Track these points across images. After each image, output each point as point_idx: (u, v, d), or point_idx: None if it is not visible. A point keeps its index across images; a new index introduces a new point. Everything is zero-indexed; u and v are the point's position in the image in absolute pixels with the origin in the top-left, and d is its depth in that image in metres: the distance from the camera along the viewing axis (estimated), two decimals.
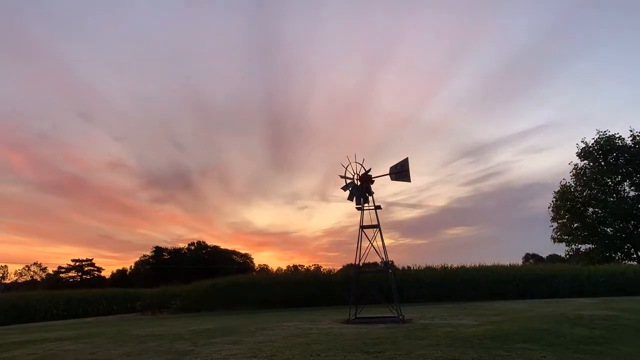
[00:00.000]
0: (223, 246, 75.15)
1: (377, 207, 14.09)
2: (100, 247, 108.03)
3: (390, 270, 14.28)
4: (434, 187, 72.94)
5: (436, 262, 27.68)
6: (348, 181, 14.36)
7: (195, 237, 69.83)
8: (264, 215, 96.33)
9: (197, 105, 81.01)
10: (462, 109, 76.46)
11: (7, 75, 72.01)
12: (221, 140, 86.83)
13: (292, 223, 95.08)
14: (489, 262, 28.41)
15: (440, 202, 71.34)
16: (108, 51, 76.74)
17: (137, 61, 79.77)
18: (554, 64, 73.01)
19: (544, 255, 64.98)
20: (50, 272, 76.64)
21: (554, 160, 68.54)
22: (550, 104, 69.87)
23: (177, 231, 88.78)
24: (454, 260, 26.02)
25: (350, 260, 38.07)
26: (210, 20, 76.42)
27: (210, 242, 74.03)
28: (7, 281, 79.17)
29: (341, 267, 31.36)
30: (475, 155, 70.02)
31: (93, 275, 70.97)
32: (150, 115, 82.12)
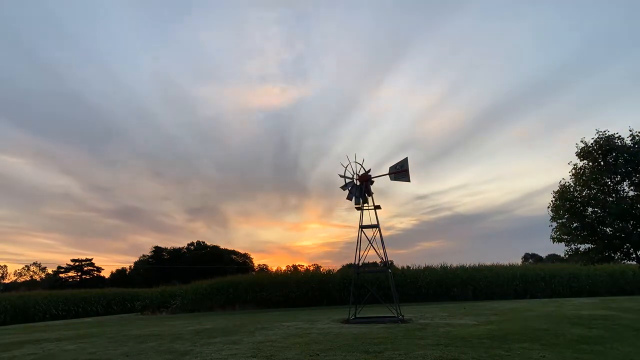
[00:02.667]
0: (223, 246, 75.25)
1: (377, 207, 14.09)
2: (101, 247, 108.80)
3: (389, 270, 14.29)
4: (400, 217, 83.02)
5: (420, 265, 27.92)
6: (347, 181, 14.37)
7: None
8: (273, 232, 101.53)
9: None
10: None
11: None
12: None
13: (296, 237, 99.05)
14: (487, 262, 28.43)
15: (408, 225, 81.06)
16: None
17: None
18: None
19: (543, 255, 65.20)
20: (50, 272, 76.74)
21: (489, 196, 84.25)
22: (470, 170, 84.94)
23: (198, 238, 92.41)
24: (432, 262, 26.52)
25: (350, 260, 38.12)
26: None
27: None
28: (6, 281, 79.23)
29: (341, 267, 31.34)
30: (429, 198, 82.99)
31: (92, 275, 70.90)
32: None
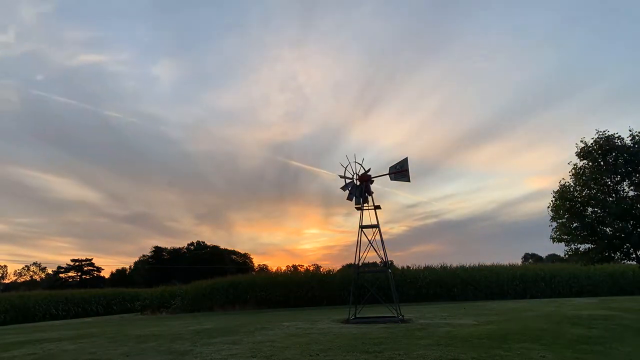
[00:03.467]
0: (223, 246, 75.24)
1: (377, 207, 14.08)
2: (100, 247, 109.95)
3: (389, 270, 14.29)
4: (393, 222, 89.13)
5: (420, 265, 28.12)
6: (347, 181, 14.37)
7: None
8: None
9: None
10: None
11: None
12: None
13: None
14: (487, 262, 28.41)
15: (401, 230, 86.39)
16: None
17: None
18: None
19: (543, 255, 65.27)
20: (50, 272, 76.74)
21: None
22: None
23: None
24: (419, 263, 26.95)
25: (350, 260, 38.07)
26: None
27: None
28: (6, 281, 79.23)
29: (341, 267, 31.30)
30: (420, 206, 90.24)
31: (92, 275, 70.92)
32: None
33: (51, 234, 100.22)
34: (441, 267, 27.36)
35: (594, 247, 14.43)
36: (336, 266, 37.48)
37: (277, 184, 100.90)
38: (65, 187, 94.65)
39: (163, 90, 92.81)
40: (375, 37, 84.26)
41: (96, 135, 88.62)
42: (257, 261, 79.45)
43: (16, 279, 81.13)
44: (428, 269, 27.03)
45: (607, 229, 14.15)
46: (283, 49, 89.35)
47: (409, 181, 13.98)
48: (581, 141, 14.71)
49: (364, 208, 14.10)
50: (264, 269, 70.44)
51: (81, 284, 63.08)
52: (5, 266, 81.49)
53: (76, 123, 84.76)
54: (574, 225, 14.68)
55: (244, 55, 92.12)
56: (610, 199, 14.09)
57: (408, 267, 28.02)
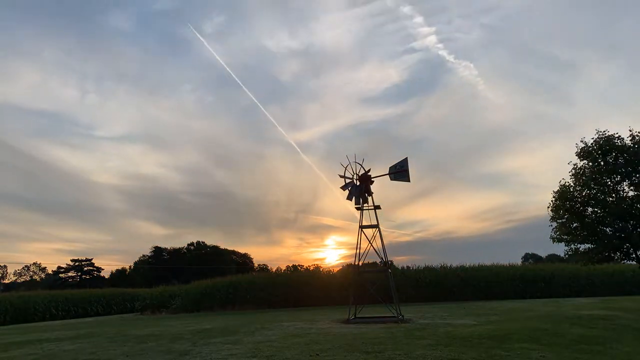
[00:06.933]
0: (223, 246, 75.24)
1: (377, 207, 14.07)
2: (100, 247, 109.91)
3: (389, 270, 14.28)
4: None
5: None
6: (347, 181, 14.35)
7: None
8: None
9: None
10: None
11: None
12: None
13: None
14: (487, 262, 28.38)
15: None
16: None
17: None
18: None
19: (543, 255, 65.31)
20: (50, 272, 76.69)
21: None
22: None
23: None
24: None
25: (350, 260, 38.05)
26: None
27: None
28: (6, 281, 79.22)
29: (341, 267, 31.31)
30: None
31: (92, 275, 70.88)
32: None
33: None
34: (441, 267, 27.30)
35: (594, 247, 14.43)
36: (336, 266, 37.55)
37: None
38: None
39: None
40: None
41: None
42: (257, 261, 79.55)
43: (16, 279, 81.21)
44: (428, 268, 27.01)
45: (607, 229, 14.16)
46: None
47: (409, 181, 13.97)
48: (581, 141, 14.72)
49: (364, 208, 14.10)
50: (264, 268, 70.52)
51: (81, 284, 63.09)
52: (5, 266, 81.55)
53: None
54: (574, 225, 14.69)
55: None
56: (610, 199, 14.09)
57: (408, 267, 28.00)
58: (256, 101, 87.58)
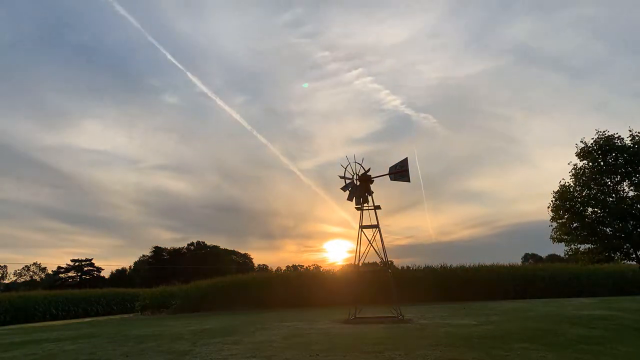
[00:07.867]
0: (223, 246, 75.26)
1: (377, 207, 14.07)
2: (100, 247, 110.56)
3: (389, 270, 14.27)
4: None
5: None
6: (347, 181, 14.35)
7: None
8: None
9: None
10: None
11: None
12: None
13: None
14: (487, 262, 28.35)
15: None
16: None
17: None
18: None
19: (543, 255, 65.31)
20: (50, 272, 76.69)
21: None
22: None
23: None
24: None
25: (350, 260, 38.01)
26: None
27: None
28: (6, 281, 79.23)
29: (341, 267, 31.30)
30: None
31: (92, 275, 70.89)
32: None
33: None
34: (441, 267, 27.29)
35: (594, 247, 14.43)
36: (336, 266, 37.52)
37: None
38: None
39: None
40: None
41: None
42: (257, 261, 79.55)
43: (16, 279, 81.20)
44: (428, 268, 27.00)
45: (607, 229, 14.15)
46: None
47: (409, 181, 13.97)
48: (581, 141, 14.72)
49: (364, 208, 14.09)
50: (263, 268, 70.51)
51: (81, 284, 63.07)
52: (5, 266, 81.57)
53: None
54: (574, 225, 14.68)
55: None
56: (610, 199, 14.09)
57: (408, 267, 27.99)
58: (265, 141, 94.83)
